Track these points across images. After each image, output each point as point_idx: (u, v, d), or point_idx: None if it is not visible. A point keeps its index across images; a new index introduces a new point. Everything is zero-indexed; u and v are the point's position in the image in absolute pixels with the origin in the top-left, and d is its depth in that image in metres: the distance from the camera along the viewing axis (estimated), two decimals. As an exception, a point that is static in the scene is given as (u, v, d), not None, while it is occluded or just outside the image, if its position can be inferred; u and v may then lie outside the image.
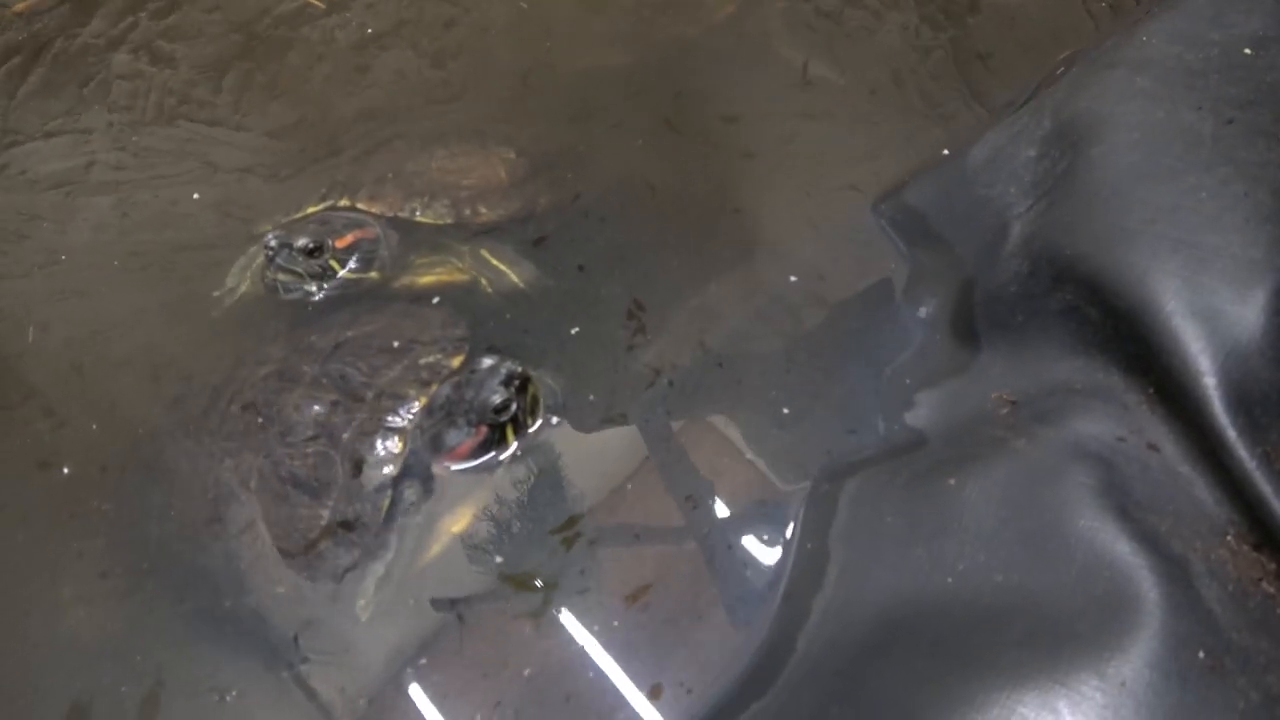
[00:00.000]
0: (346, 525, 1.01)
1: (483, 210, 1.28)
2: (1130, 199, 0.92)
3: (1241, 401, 0.78)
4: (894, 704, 0.75)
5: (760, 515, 0.98)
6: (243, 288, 1.27)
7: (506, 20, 1.58)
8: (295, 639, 0.97)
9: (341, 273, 1.23)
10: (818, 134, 1.33)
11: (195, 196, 1.39)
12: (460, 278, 1.25)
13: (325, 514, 1.01)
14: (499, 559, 0.99)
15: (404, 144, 1.39)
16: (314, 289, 1.22)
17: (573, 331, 1.16)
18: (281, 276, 1.21)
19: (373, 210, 1.27)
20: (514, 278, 1.23)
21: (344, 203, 1.28)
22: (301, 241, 1.18)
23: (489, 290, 1.22)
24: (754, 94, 1.40)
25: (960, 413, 0.99)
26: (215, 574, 1.03)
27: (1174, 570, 0.74)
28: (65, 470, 1.13)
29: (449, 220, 1.27)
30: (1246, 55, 1.01)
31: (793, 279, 1.17)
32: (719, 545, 0.97)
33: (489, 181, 1.32)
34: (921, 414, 1.02)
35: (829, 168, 1.28)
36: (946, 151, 1.25)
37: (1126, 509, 0.79)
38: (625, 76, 1.45)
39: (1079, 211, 0.96)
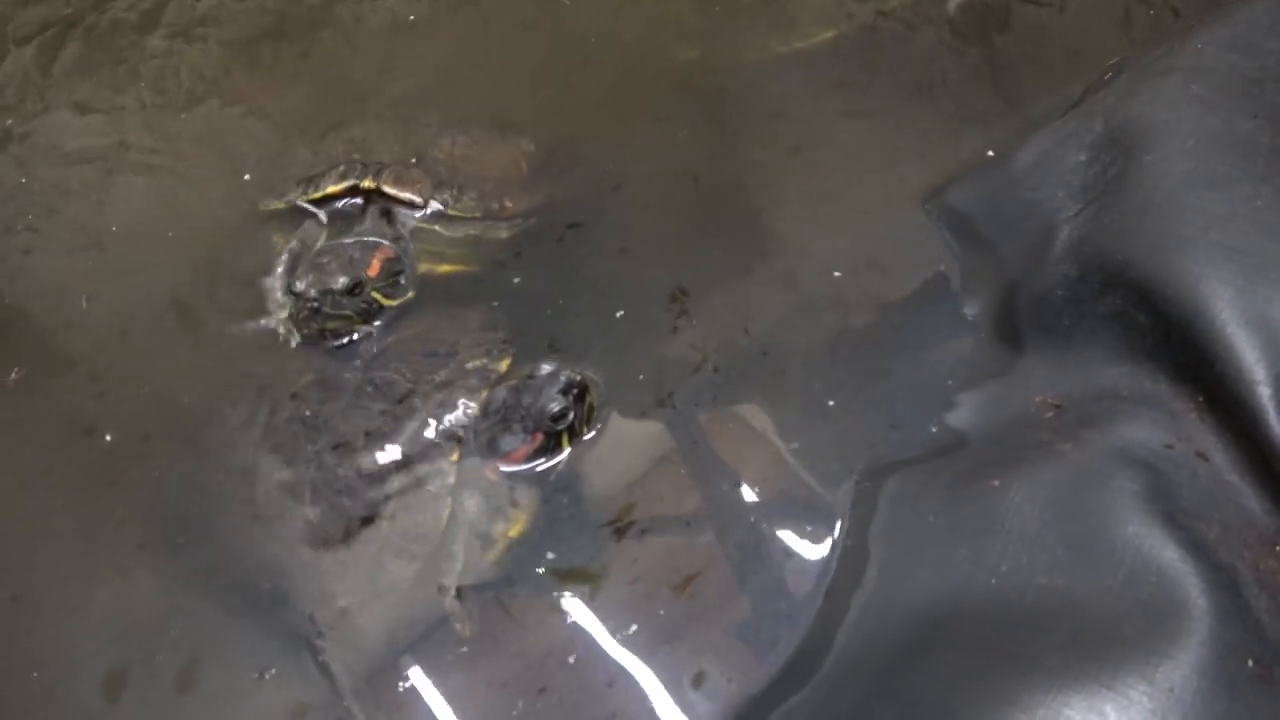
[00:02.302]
0: (406, 535, 1.00)
1: (508, 204, 1.26)
2: (1184, 206, 0.92)
3: (1297, 412, 0.78)
4: (936, 703, 0.75)
5: (804, 507, 0.98)
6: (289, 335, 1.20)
7: (548, 15, 1.58)
8: (335, 623, 0.98)
9: (386, 304, 1.17)
10: (864, 132, 1.32)
11: (222, 175, 1.39)
12: (474, 268, 1.23)
13: (384, 525, 1.01)
14: (551, 555, 0.99)
15: (427, 131, 1.35)
16: (367, 328, 1.16)
17: (618, 315, 1.17)
18: (331, 325, 1.14)
19: (402, 195, 1.22)
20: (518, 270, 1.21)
21: (367, 184, 1.23)
22: (341, 281, 1.11)
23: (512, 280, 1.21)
24: (799, 92, 1.40)
25: (1003, 415, 0.99)
26: (255, 556, 1.03)
27: (1222, 578, 0.74)
28: (108, 438, 1.14)
29: (478, 214, 1.24)
30: (1306, 65, 1.00)
31: (837, 274, 1.17)
32: (765, 535, 0.97)
33: (510, 174, 1.29)
34: (964, 414, 1.01)
35: (875, 165, 1.28)
36: (991, 153, 1.25)
37: (1174, 516, 0.79)
38: (670, 72, 1.45)
39: (1131, 217, 0.96)
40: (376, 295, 1.16)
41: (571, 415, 1.03)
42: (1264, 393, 0.79)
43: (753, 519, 0.98)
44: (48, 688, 0.98)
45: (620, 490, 1.03)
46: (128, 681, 0.97)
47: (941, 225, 1.19)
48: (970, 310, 1.11)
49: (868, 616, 0.88)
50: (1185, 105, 1.02)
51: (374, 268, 1.15)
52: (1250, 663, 0.71)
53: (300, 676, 0.95)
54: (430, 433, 1.05)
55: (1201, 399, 0.85)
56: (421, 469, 1.03)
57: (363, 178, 1.24)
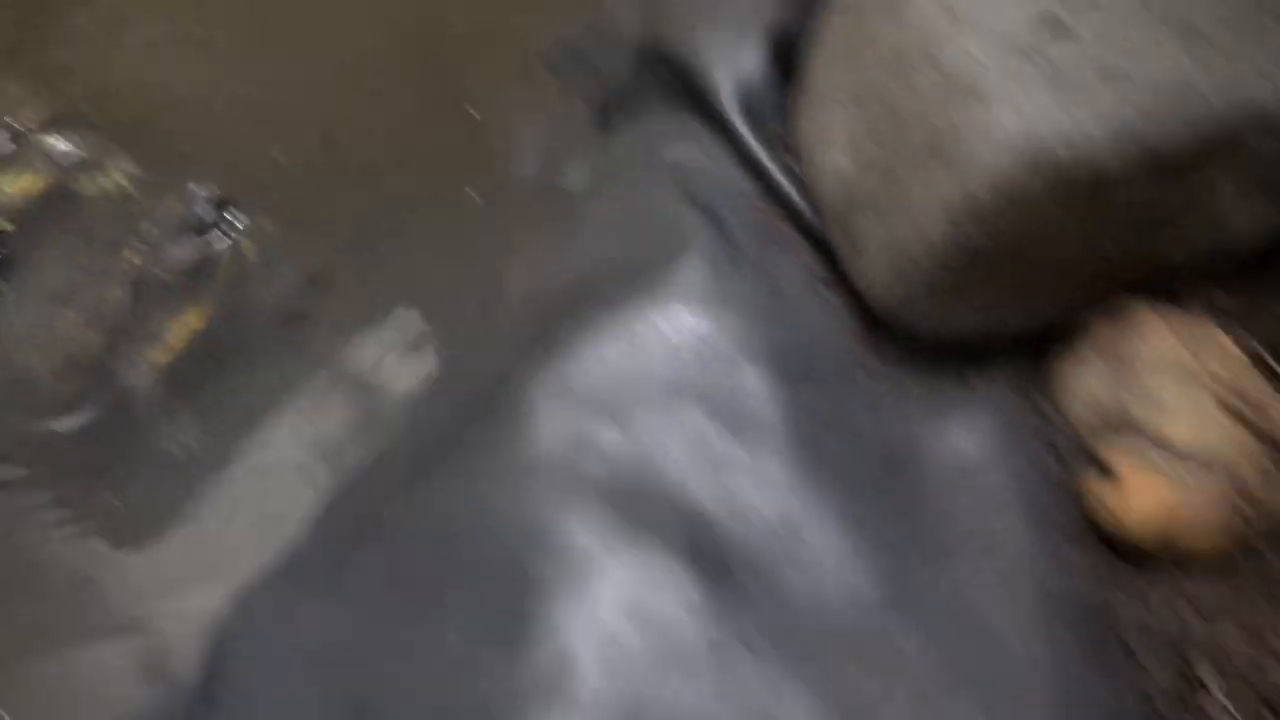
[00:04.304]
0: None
1: None
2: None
3: (749, 110, 1.20)
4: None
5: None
6: None
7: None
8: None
9: None
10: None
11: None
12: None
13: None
14: None
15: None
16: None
17: None
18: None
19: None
20: None
21: None
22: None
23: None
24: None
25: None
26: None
27: (713, 216, 1.16)
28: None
29: None
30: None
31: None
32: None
33: None
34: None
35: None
36: None
37: (692, 191, 1.20)
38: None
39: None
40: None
41: (212, 221, 1.33)
42: (729, 103, 1.20)
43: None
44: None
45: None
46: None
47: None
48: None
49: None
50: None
51: None
52: (730, 264, 1.13)
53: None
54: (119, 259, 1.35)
55: (704, 118, 1.26)
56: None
57: None
